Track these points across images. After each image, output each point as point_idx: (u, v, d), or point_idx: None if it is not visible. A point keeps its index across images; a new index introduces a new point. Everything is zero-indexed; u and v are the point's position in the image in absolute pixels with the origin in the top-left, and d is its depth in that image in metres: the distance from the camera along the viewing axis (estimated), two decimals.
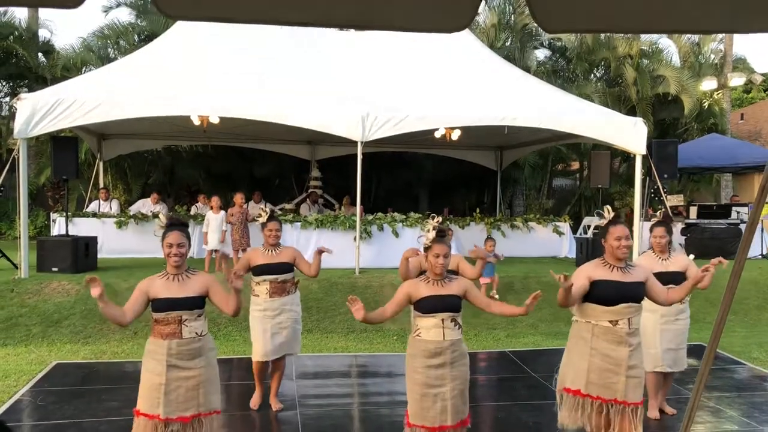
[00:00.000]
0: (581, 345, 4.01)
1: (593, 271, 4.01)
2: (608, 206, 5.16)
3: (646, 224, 12.32)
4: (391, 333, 8.29)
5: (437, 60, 11.97)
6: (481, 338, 8.23)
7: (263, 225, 5.44)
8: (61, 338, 7.71)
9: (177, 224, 3.84)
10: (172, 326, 3.69)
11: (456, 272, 4.80)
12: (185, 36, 11.64)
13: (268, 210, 5.63)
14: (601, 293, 3.95)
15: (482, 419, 5.36)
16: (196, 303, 3.74)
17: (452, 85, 11.15)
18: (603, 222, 4.91)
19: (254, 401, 5.55)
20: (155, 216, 11.75)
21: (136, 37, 16.69)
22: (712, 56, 19.54)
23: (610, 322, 3.94)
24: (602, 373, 3.95)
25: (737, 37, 20.33)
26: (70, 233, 10.27)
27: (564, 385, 4.07)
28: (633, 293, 3.95)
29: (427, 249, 3.91)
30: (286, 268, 5.43)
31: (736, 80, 18.17)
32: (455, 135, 12.25)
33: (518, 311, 3.91)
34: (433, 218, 5.10)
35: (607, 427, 3.97)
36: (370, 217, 10.78)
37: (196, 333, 3.74)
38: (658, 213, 5.51)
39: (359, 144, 9.68)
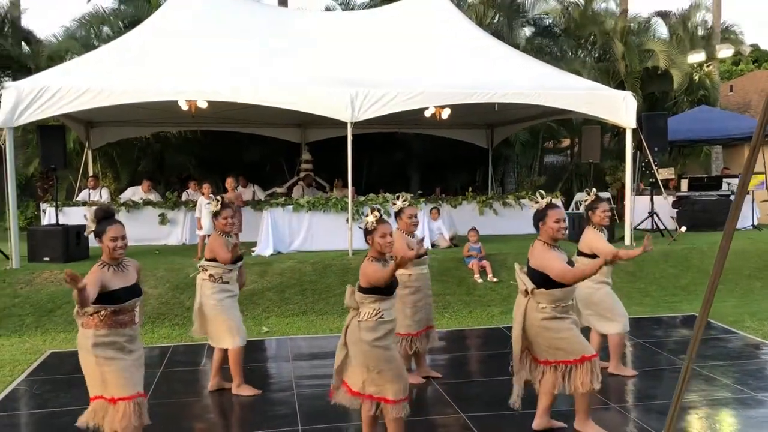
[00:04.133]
0: (557, 324, 4.23)
1: (559, 254, 4.21)
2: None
3: (638, 198, 12.39)
4: None
5: (425, 39, 11.89)
6: (476, 315, 8.26)
7: (216, 213, 5.33)
8: (55, 327, 7.68)
9: (112, 216, 3.88)
10: (129, 314, 3.78)
11: None
12: (170, 20, 11.52)
13: (220, 200, 5.48)
14: None
15: (477, 394, 5.39)
16: (140, 288, 3.91)
17: (441, 64, 11.09)
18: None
19: (251, 390, 5.45)
20: (146, 203, 11.70)
21: (120, 24, 16.48)
22: (699, 29, 19.45)
23: (571, 300, 4.32)
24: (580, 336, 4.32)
25: (725, 9, 20.27)
26: (60, 223, 10.21)
27: (564, 358, 4.25)
28: None
29: (372, 231, 4.03)
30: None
31: (725, 52, 18.10)
32: (445, 114, 12.20)
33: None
34: (397, 198, 5.18)
35: None
36: (362, 199, 10.75)
37: (139, 316, 3.88)
38: (592, 191, 5.61)
39: (349, 125, 9.63)
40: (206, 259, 5.34)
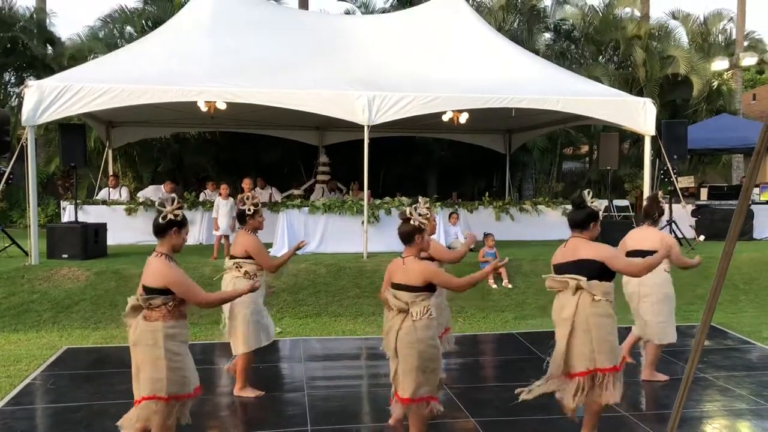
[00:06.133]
0: (609, 322, 4.15)
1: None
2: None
3: None
4: None
5: (443, 43, 11.89)
6: (489, 320, 8.22)
7: (255, 213, 5.38)
8: (72, 324, 7.77)
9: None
10: (187, 306, 3.83)
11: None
12: (191, 22, 11.62)
13: (257, 200, 5.53)
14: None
15: (489, 400, 5.37)
16: None
17: (459, 69, 11.08)
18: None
19: (253, 392, 5.44)
20: None
21: (143, 23, 16.66)
22: (720, 37, 19.28)
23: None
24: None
25: (750, 18, 20.05)
26: (79, 220, 10.33)
27: (603, 365, 4.11)
28: None
29: (423, 230, 4.08)
30: None
31: (748, 60, 17.93)
32: (463, 118, 12.19)
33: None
34: (418, 202, 5.19)
35: None
36: (378, 202, 10.77)
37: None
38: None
39: (366, 128, 9.65)
40: (239, 257, 5.29)
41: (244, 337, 5.22)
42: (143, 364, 3.70)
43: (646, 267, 4.24)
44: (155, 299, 3.68)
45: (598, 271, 4.13)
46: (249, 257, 5.26)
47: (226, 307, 5.31)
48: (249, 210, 5.34)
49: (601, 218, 4.34)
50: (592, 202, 4.29)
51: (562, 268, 4.26)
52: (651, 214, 5.74)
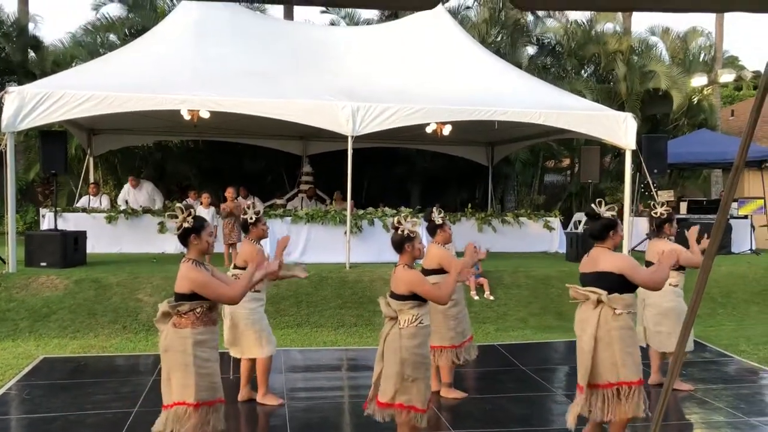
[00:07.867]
0: (631, 335, 4.15)
1: None
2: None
3: (636, 219, 12.40)
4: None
5: (427, 56, 11.96)
6: None
7: (258, 221, 5.39)
8: (49, 333, 7.66)
9: None
10: (216, 311, 3.81)
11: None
12: (176, 30, 11.60)
13: (258, 208, 5.55)
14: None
15: (471, 412, 5.37)
16: None
17: (442, 81, 11.15)
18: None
19: (275, 399, 5.47)
20: (146, 211, 11.70)
21: (126, 31, 16.58)
22: (702, 53, 19.59)
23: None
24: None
25: (727, 36, 20.44)
26: (59, 228, 10.22)
27: (628, 378, 4.08)
28: None
29: (413, 239, 4.12)
30: None
31: (726, 76, 18.20)
32: (446, 130, 12.25)
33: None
34: (431, 212, 5.27)
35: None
36: (361, 212, 10.76)
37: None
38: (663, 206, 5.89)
39: (349, 139, 9.67)
40: (240, 267, 5.22)
41: (259, 342, 5.23)
42: (173, 370, 3.70)
43: (662, 280, 4.17)
44: (183, 305, 3.67)
45: (618, 283, 4.11)
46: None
47: (227, 316, 5.28)
48: (251, 218, 5.34)
49: (618, 225, 4.28)
50: (606, 211, 4.26)
51: (585, 278, 4.27)
52: (651, 227, 5.90)
